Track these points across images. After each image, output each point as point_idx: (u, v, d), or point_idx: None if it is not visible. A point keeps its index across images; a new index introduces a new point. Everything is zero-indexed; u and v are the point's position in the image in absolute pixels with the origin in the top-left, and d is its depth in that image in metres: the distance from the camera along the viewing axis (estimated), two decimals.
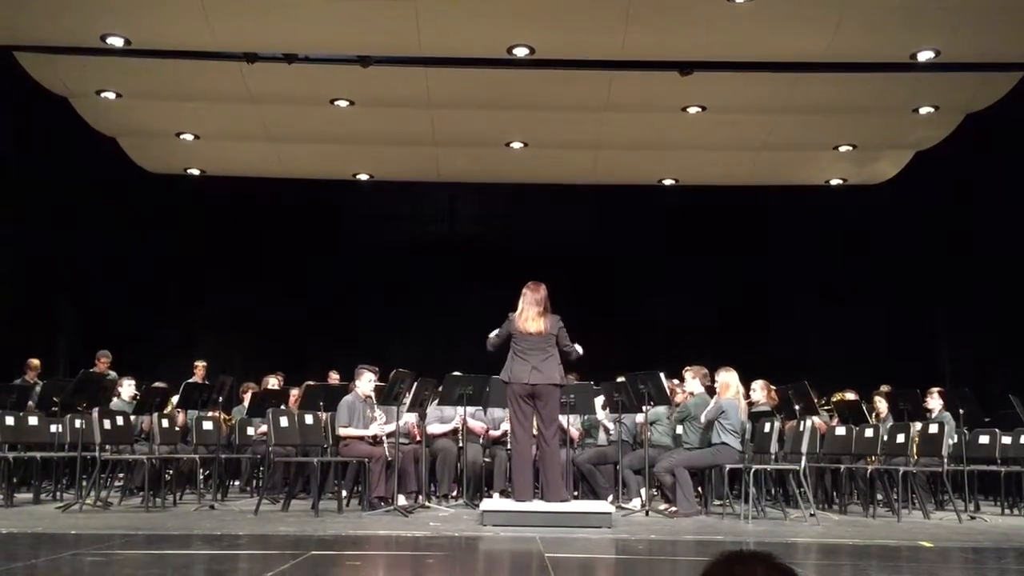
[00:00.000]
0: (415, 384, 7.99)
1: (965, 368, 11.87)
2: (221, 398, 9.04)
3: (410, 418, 8.48)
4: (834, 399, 10.05)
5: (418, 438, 8.46)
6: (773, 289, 12.95)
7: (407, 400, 7.98)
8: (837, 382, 10.56)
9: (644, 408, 8.14)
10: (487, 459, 8.70)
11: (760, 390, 8.61)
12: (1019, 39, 9.26)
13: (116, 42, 9.46)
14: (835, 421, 9.41)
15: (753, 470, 7.57)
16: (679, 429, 8.30)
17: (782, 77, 10.21)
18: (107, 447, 7.87)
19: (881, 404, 9.50)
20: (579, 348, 7.31)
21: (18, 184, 10.91)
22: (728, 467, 7.74)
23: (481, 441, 8.84)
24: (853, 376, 10.76)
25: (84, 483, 8.12)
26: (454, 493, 8.67)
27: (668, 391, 8.28)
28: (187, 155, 12.58)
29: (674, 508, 7.68)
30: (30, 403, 9.19)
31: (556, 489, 7.03)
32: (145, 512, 7.54)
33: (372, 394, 8.12)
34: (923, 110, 10.91)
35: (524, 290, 7.23)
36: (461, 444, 8.57)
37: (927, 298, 12.66)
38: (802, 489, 7.84)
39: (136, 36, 9.45)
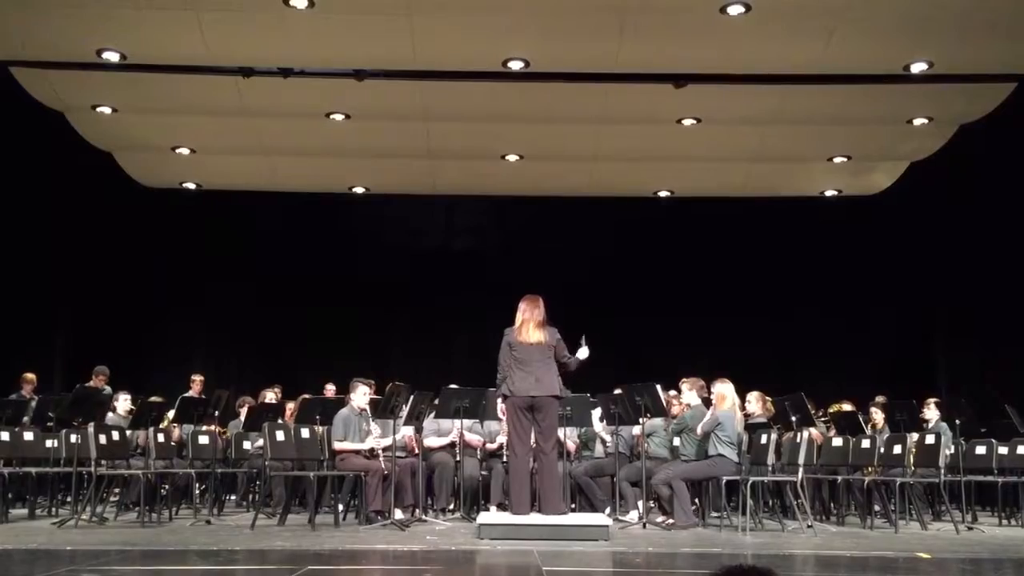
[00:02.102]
0: (412, 397, 7.98)
1: (961, 379, 11.88)
2: (217, 412, 9.02)
3: (407, 431, 8.47)
4: (831, 410, 10.06)
5: (415, 451, 8.45)
6: (769, 300, 12.96)
7: (404, 413, 7.97)
8: (833, 393, 10.57)
9: (641, 420, 8.14)
10: (484, 472, 8.69)
11: (756, 402, 8.62)
12: (1012, 50, 9.31)
13: (112, 57, 9.48)
14: (832, 432, 9.41)
15: (750, 482, 7.57)
16: (676, 441, 8.29)
17: (776, 89, 10.25)
18: (103, 462, 7.84)
19: (877, 415, 9.50)
20: (584, 352, 7.29)
21: (13, 198, 10.90)
22: (725, 479, 7.74)
23: (478, 454, 8.83)
24: (849, 387, 10.78)
25: (80, 498, 8.08)
26: (451, 506, 8.65)
27: (665, 403, 8.28)
28: (183, 169, 12.58)
29: (671, 520, 7.67)
30: (25, 418, 9.17)
31: (553, 502, 7.03)
32: (141, 527, 7.52)
33: (367, 407, 8.11)
34: (917, 121, 10.95)
35: (521, 303, 7.25)
36: (458, 457, 8.55)
37: (923, 309, 12.68)
38: (799, 501, 7.84)
39: (132, 51, 9.46)
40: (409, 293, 13.22)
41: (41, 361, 11.35)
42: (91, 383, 10.27)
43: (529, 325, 7.13)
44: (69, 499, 8.64)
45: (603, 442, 8.82)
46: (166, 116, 11.08)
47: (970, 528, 8.11)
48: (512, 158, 12.08)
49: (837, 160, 12.13)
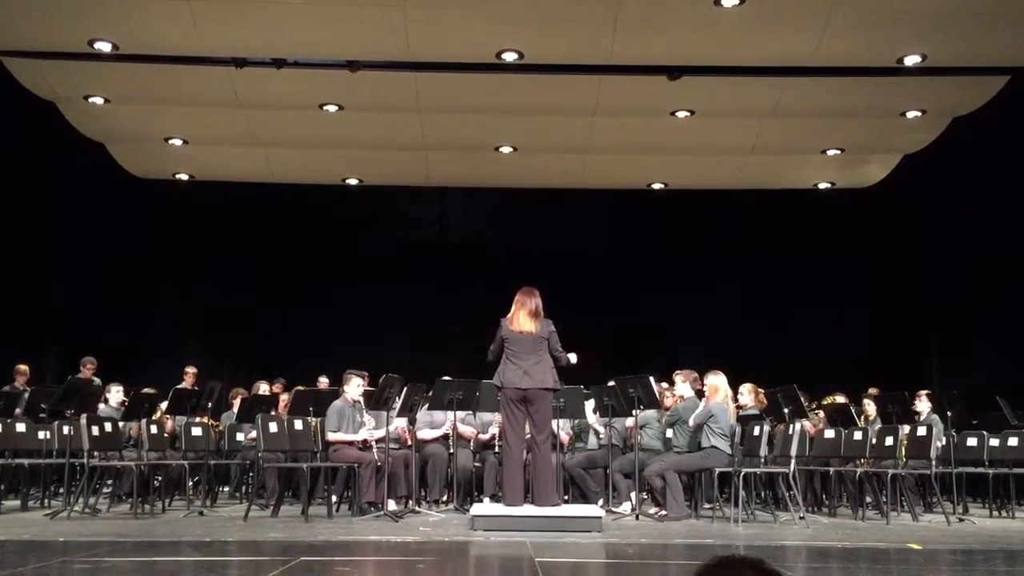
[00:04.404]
0: (405, 389, 7.99)
1: (953, 370, 11.92)
2: (210, 404, 9.00)
3: (401, 423, 8.48)
4: (824, 402, 10.08)
5: (408, 443, 8.45)
6: (762, 293, 12.97)
7: (397, 405, 7.98)
8: (826, 384, 10.59)
9: (634, 412, 8.15)
10: (477, 464, 8.70)
11: (748, 393, 8.63)
12: (1005, 43, 9.31)
13: (104, 47, 9.43)
14: (823, 424, 9.43)
15: (743, 473, 7.60)
16: (669, 433, 8.31)
17: (770, 81, 10.24)
18: (95, 453, 7.83)
19: (869, 407, 9.53)
20: (572, 357, 7.30)
21: (4, 188, 10.85)
22: (718, 470, 7.77)
23: (471, 446, 8.84)
24: (842, 378, 10.80)
25: (72, 490, 8.08)
26: (444, 498, 8.66)
27: (658, 395, 8.29)
28: (176, 160, 12.54)
29: (664, 512, 7.69)
30: (18, 410, 9.14)
31: (547, 493, 7.04)
32: (134, 519, 7.52)
33: (361, 399, 8.11)
34: (910, 114, 10.95)
35: (517, 295, 7.25)
36: (452, 449, 8.56)
37: (915, 301, 12.71)
38: (791, 492, 7.87)
39: (124, 41, 9.42)
40: (403, 285, 13.19)
41: (33, 352, 11.32)
42: (81, 374, 10.25)
43: (520, 314, 7.13)
44: (62, 490, 8.63)
45: (596, 434, 8.84)
46: (159, 107, 11.04)
47: (961, 519, 8.15)
48: (506, 150, 12.07)
49: (831, 152, 12.13)
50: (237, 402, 9.58)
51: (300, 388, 9.27)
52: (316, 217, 13.33)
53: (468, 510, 7.50)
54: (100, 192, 12.31)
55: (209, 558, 5.50)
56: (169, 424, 9.27)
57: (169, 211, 12.89)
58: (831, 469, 8.78)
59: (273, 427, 7.84)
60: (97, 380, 10.15)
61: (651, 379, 8.21)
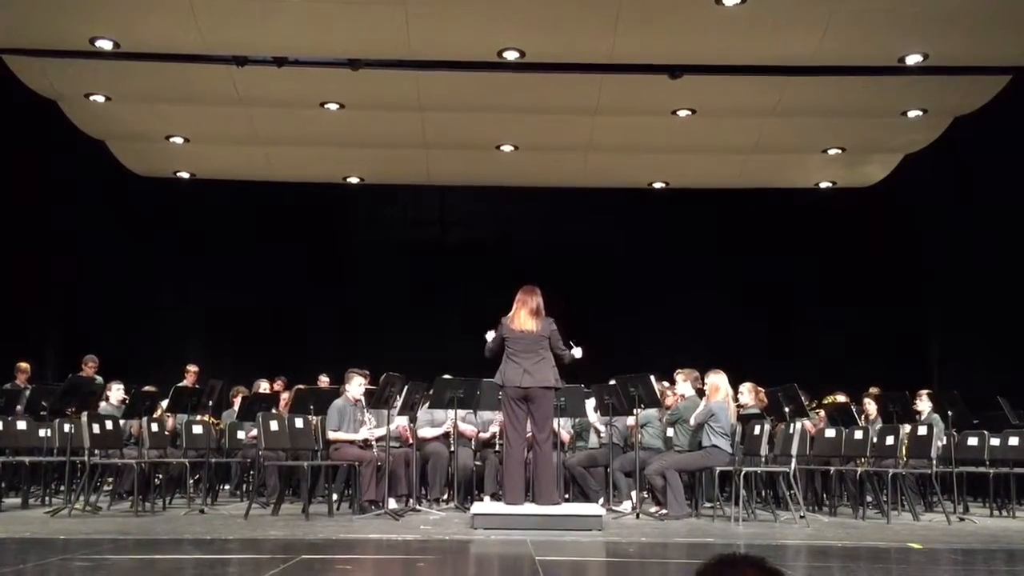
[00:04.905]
0: (405, 387, 7.99)
1: (954, 370, 11.92)
2: (211, 402, 9.01)
3: (401, 421, 8.48)
4: (824, 402, 10.08)
5: (409, 441, 8.46)
6: (762, 292, 12.96)
7: (398, 404, 7.98)
8: (826, 384, 10.59)
9: (635, 411, 8.15)
10: (478, 462, 8.70)
11: (748, 392, 8.63)
12: (1007, 42, 9.31)
13: (105, 45, 9.43)
14: (823, 423, 9.43)
15: (743, 472, 7.60)
16: (670, 431, 8.31)
17: (771, 80, 10.24)
18: (96, 451, 7.84)
19: (870, 406, 9.53)
20: (577, 352, 7.31)
21: (4, 187, 10.84)
22: (718, 469, 7.77)
23: (472, 444, 8.84)
24: (842, 378, 10.80)
25: (73, 488, 8.08)
26: (445, 496, 8.66)
27: (659, 393, 8.29)
28: (177, 158, 12.54)
29: (665, 511, 7.69)
30: (19, 407, 9.15)
31: (548, 492, 7.04)
32: (134, 517, 7.52)
33: (362, 398, 8.12)
34: (911, 113, 10.95)
35: (519, 293, 7.25)
36: (452, 448, 8.56)
37: (916, 300, 12.71)
38: (792, 491, 7.86)
39: (125, 39, 9.42)
40: (403, 283, 13.19)
41: (35, 350, 11.32)
42: (83, 372, 10.25)
43: (521, 313, 7.13)
44: (63, 488, 8.63)
45: (597, 432, 8.84)
46: (159, 105, 11.04)
47: (961, 519, 8.15)
48: (507, 148, 12.07)
49: (832, 152, 12.13)
50: (238, 400, 9.58)
51: (301, 387, 9.27)
52: (316, 216, 13.32)
53: (469, 509, 7.50)
54: (101, 190, 12.31)
55: (210, 556, 5.51)
56: (170, 422, 9.27)
57: (170, 209, 12.89)
58: (832, 468, 8.78)
59: (274, 425, 7.84)
60: (99, 378, 10.14)
61: (652, 378, 8.20)
